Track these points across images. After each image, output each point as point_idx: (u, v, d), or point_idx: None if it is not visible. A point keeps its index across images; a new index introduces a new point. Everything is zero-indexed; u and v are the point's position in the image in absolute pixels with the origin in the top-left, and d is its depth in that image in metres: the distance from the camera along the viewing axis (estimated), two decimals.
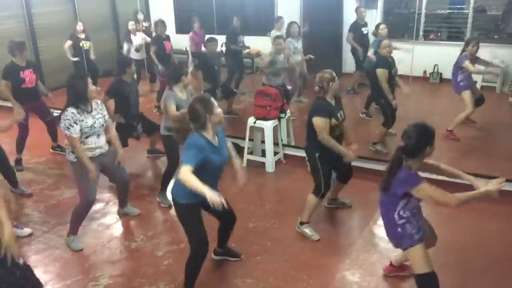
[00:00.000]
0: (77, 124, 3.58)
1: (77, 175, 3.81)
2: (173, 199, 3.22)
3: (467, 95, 5.76)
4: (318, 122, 3.73)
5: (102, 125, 3.79)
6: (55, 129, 5.86)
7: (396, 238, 2.92)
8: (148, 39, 8.10)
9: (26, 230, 4.18)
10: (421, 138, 2.70)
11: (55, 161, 5.84)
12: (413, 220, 2.85)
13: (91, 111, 3.71)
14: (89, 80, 3.71)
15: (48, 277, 3.57)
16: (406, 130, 2.76)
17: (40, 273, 3.59)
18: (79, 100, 3.63)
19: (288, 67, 6.56)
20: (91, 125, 3.67)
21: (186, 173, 2.80)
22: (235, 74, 7.83)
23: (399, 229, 2.86)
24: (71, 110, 3.59)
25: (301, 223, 4.04)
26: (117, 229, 4.30)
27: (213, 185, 3.10)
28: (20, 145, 5.53)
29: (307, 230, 4.01)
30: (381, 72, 5.31)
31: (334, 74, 3.79)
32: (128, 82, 5.02)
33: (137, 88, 5.32)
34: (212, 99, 3.06)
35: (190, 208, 3.12)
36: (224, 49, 7.89)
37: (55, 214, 4.52)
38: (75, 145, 3.61)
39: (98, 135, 3.78)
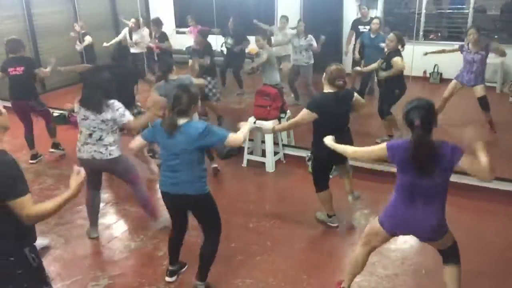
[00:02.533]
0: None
1: (126, 168, 3.92)
2: (196, 195, 3.13)
3: (451, 83, 6.05)
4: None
5: None
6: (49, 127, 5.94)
7: (445, 224, 2.84)
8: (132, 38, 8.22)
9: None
10: (432, 108, 2.66)
11: (55, 161, 5.83)
12: None
13: None
14: None
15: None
16: (411, 109, 2.62)
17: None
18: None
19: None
20: None
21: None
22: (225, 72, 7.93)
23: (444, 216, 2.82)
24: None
25: (329, 216, 4.15)
26: (117, 229, 4.30)
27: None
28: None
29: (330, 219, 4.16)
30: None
31: None
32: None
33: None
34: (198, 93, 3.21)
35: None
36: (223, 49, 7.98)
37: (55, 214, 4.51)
38: (136, 126, 3.84)
39: None
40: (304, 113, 3.78)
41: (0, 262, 2.19)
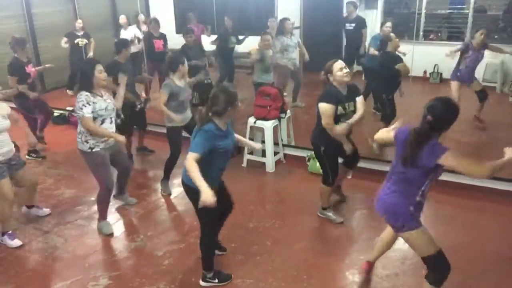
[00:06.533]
0: (90, 104, 3.74)
1: (92, 165, 3.97)
2: (186, 185, 3.18)
3: (453, 85, 6.15)
4: (323, 107, 3.76)
5: (113, 108, 3.99)
6: (45, 124, 6.11)
7: (406, 217, 2.79)
8: (140, 35, 8.15)
9: (46, 210, 4.48)
10: (450, 113, 2.66)
11: (55, 161, 5.84)
12: (422, 206, 2.83)
13: (102, 95, 3.90)
14: (100, 68, 3.85)
15: (48, 277, 3.58)
16: (433, 104, 2.65)
17: (40, 273, 3.61)
18: (87, 85, 3.80)
19: (278, 65, 6.59)
20: (105, 107, 3.85)
21: (190, 161, 2.91)
22: (226, 74, 7.78)
23: (412, 208, 2.77)
24: (84, 93, 3.76)
25: (323, 208, 4.21)
26: (117, 229, 4.30)
27: (222, 167, 3.21)
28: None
29: (330, 214, 4.21)
30: None
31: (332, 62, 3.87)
32: (121, 62, 5.16)
33: (130, 69, 5.43)
34: (237, 93, 3.12)
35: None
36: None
37: (55, 214, 4.52)
38: (89, 124, 3.76)
39: (111, 121, 3.96)
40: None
41: None
